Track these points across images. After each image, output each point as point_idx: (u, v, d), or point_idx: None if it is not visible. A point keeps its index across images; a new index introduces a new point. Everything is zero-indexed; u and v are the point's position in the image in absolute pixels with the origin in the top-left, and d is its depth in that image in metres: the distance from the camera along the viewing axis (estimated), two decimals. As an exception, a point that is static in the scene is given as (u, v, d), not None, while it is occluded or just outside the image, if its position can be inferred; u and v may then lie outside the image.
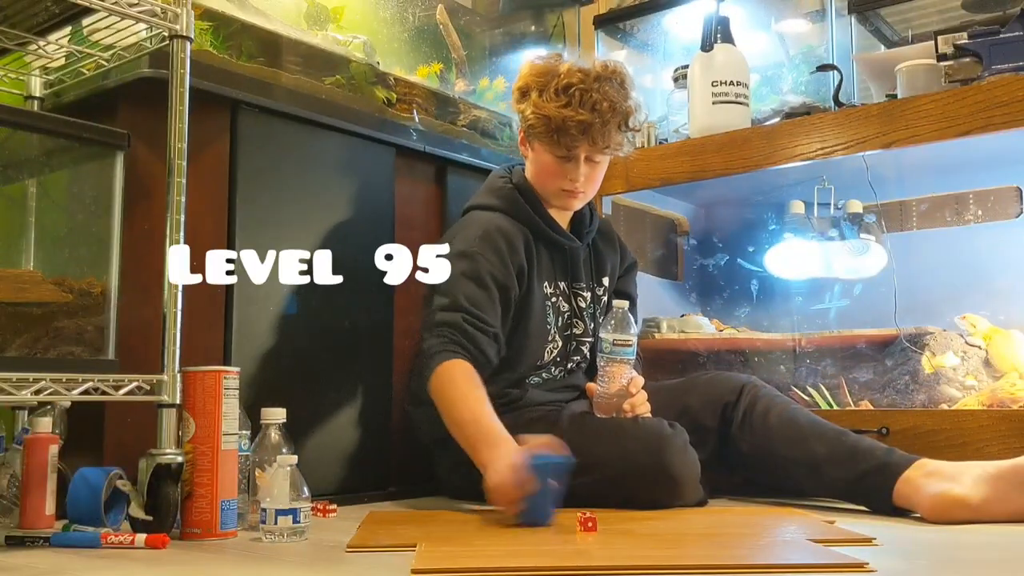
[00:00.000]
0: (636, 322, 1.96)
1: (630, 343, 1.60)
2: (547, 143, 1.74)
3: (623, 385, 1.63)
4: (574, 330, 1.83)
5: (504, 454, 1.42)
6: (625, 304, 1.62)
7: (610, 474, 1.43)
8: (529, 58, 1.82)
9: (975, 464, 1.44)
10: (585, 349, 1.84)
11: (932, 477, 1.45)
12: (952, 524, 1.39)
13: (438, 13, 2.28)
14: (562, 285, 1.83)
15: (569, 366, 1.83)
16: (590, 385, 1.74)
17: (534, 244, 1.78)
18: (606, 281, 1.91)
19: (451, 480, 1.82)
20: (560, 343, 1.81)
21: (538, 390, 1.78)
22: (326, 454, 1.76)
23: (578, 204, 1.82)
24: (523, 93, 1.77)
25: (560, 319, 1.81)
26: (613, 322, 1.59)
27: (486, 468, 1.43)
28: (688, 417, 1.71)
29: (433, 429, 1.80)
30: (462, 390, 1.56)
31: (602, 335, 1.59)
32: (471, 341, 1.61)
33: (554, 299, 1.80)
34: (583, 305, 1.84)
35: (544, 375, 1.81)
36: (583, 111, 1.69)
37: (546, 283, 1.79)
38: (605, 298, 1.90)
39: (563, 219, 1.85)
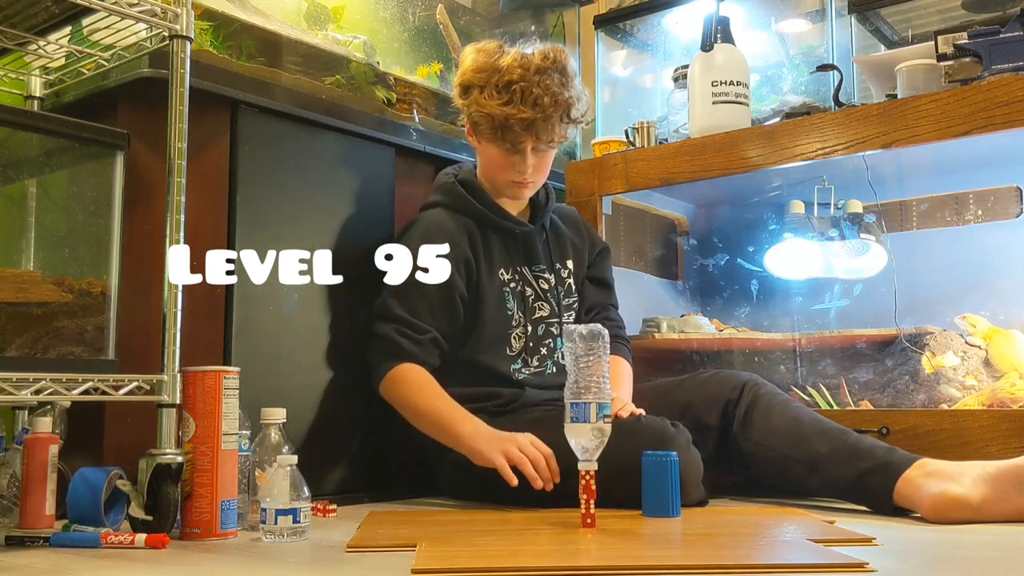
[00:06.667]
0: (616, 306, 1.99)
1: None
2: (492, 139, 1.77)
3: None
4: (540, 312, 1.84)
5: (483, 426, 1.63)
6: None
7: (613, 473, 1.43)
8: (470, 49, 1.82)
9: (976, 464, 1.44)
10: (554, 331, 1.85)
11: (933, 477, 1.45)
12: (952, 524, 1.39)
13: (438, 13, 2.28)
14: (522, 270, 1.85)
15: (543, 351, 1.83)
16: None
17: (482, 233, 1.81)
18: (570, 264, 1.92)
19: (451, 480, 1.82)
20: (529, 328, 1.82)
21: (534, 390, 1.79)
22: (326, 454, 1.76)
23: (528, 193, 1.86)
24: (465, 90, 1.79)
25: (524, 304, 1.82)
26: None
27: (469, 437, 1.61)
28: (689, 415, 1.71)
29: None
30: (416, 385, 1.70)
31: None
32: (405, 351, 1.71)
33: (513, 284, 1.82)
34: (546, 287, 1.86)
35: (527, 369, 1.81)
36: (525, 108, 1.72)
37: (502, 270, 1.82)
38: (570, 280, 1.91)
39: (517, 205, 1.89)
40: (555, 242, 1.92)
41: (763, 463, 1.67)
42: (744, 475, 1.76)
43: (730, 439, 1.71)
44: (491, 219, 1.83)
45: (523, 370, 1.81)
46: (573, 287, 1.91)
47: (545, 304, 1.85)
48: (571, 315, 1.89)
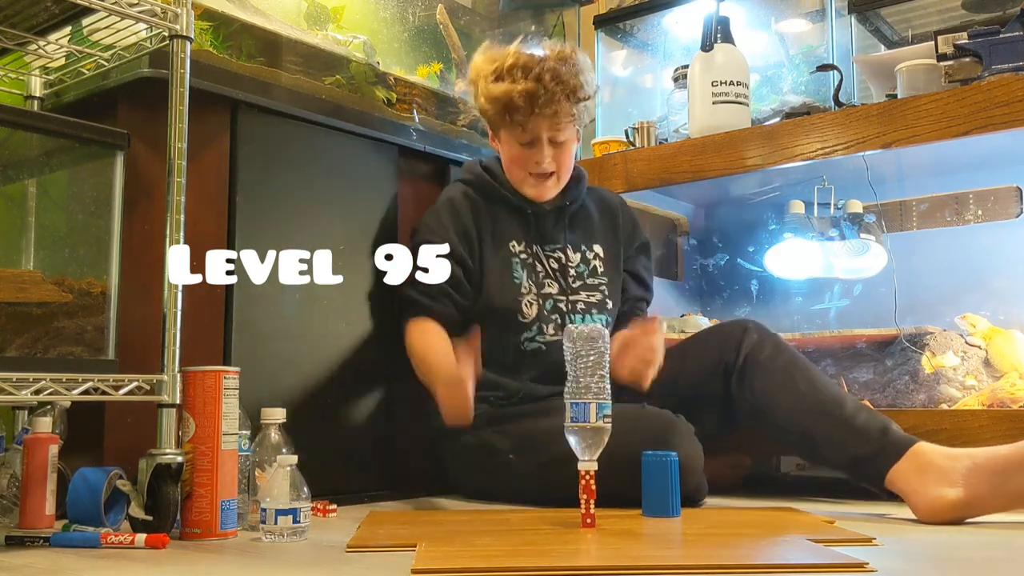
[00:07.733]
0: (649, 302, 2.01)
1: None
2: (506, 127, 1.81)
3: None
4: (549, 289, 1.85)
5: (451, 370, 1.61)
6: None
7: (613, 463, 1.43)
8: (478, 52, 1.86)
9: (965, 454, 1.44)
10: (562, 307, 1.85)
11: (925, 474, 1.45)
12: (948, 524, 1.40)
13: (438, 13, 2.28)
14: (534, 247, 1.87)
15: (550, 328, 1.83)
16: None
17: (489, 208, 1.87)
18: (598, 248, 1.93)
19: (455, 469, 1.83)
20: (539, 301, 1.84)
21: (536, 384, 1.79)
22: (326, 454, 1.76)
23: (550, 192, 1.87)
24: (475, 85, 1.84)
25: (535, 276, 1.85)
26: None
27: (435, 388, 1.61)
28: (691, 385, 1.73)
29: (441, 419, 1.80)
30: (419, 332, 1.77)
31: None
32: (417, 303, 1.78)
33: (524, 256, 1.86)
34: (555, 267, 1.87)
35: (543, 337, 1.81)
36: (528, 82, 1.74)
37: (513, 242, 1.86)
38: (596, 263, 1.91)
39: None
40: (582, 223, 1.93)
41: (761, 428, 1.68)
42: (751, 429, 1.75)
43: (729, 401, 1.71)
44: (503, 195, 1.87)
45: (538, 338, 1.81)
46: (599, 269, 1.91)
47: (554, 283, 1.86)
48: (595, 295, 1.89)
